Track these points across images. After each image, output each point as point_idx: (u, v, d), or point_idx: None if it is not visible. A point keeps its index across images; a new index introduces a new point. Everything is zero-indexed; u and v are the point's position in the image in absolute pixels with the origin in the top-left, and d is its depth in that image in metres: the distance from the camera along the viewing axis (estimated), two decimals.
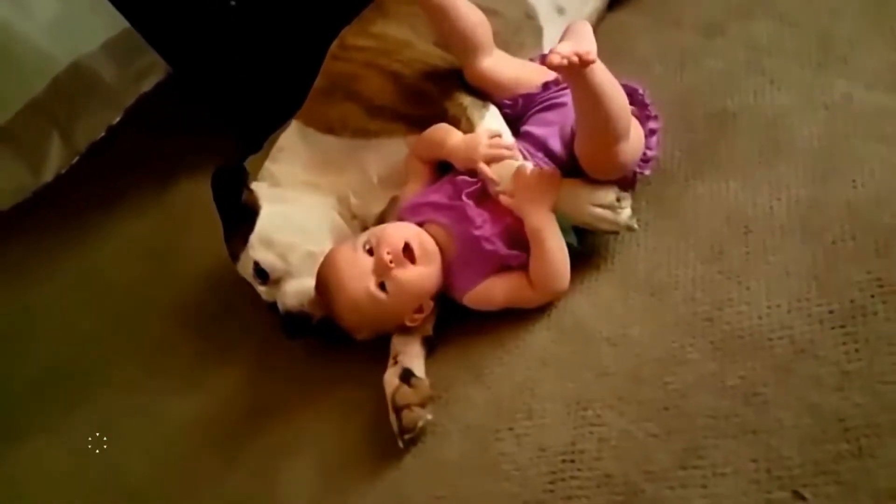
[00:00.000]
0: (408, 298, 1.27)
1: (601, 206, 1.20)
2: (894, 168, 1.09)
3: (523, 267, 1.24)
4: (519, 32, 1.54)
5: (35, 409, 1.85)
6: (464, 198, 1.25)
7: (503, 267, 1.25)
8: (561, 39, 1.17)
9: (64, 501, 1.59)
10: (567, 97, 1.29)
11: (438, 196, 1.31)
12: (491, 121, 1.34)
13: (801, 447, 0.91)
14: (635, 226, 1.21)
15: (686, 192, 1.25)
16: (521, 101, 1.34)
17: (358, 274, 1.25)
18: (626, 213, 1.20)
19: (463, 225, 1.25)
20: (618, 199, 1.20)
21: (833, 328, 0.99)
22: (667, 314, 1.12)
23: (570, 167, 1.25)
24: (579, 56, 1.05)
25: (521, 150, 1.28)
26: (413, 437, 1.20)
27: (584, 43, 1.11)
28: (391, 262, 1.23)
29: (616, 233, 1.23)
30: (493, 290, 1.25)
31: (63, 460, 1.66)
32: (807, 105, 1.24)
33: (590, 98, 1.12)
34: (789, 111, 1.24)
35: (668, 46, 1.50)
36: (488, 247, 1.23)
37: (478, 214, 1.24)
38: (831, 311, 1.00)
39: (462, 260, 1.27)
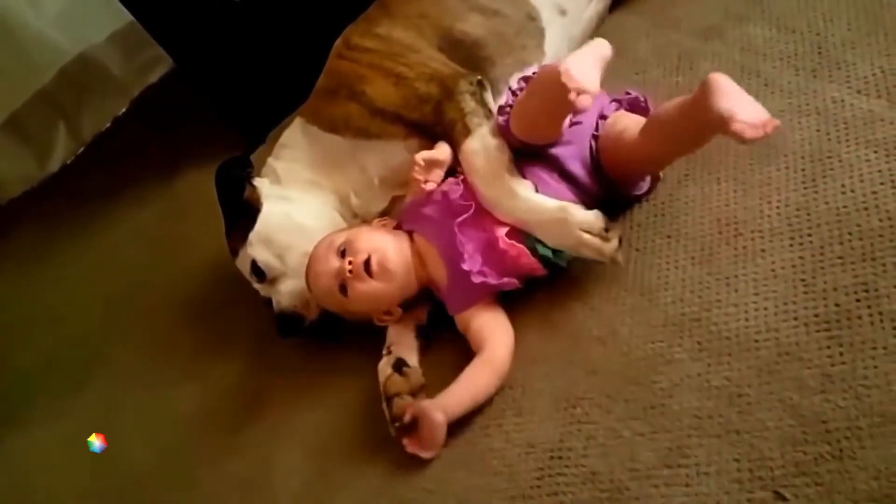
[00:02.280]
0: (366, 306, 1.31)
1: (590, 232, 1.18)
2: (883, 174, 1.09)
3: (516, 290, 1.25)
4: (521, 34, 1.54)
5: (38, 395, 1.89)
6: (455, 228, 1.24)
7: (497, 294, 1.26)
8: (708, 95, 1.04)
9: (65, 486, 1.62)
10: (582, 116, 1.24)
11: (431, 209, 1.31)
12: (491, 133, 1.30)
13: (782, 448, 0.92)
14: (620, 259, 1.18)
15: (678, 192, 1.25)
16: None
17: (324, 272, 1.31)
18: (613, 243, 1.18)
19: (452, 253, 1.25)
20: (606, 229, 1.18)
21: (818, 331, 1.00)
22: (656, 314, 1.13)
23: (592, 190, 1.24)
24: (768, 126, 1.02)
25: (537, 175, 1.25)
26: (404, 425, 1.20)
27: (759, 109, 1.04)
28: (350, 272, 1.27)
29: (600, 262, 1.20)
30: (469, 324, 1.25)
31: (65, 446, 1.69)
32: (799, 109, 1.24)
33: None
34: (782, 115, 1.24)
35: (665, 48, 1.50)
36: (477, 280, 1.23)
37: (466, 243, 1.24)
38: (817, 315, 1.01)
39: (452, 285, 1.27)
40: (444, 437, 1.16)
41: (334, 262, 1.30)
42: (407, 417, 1.17)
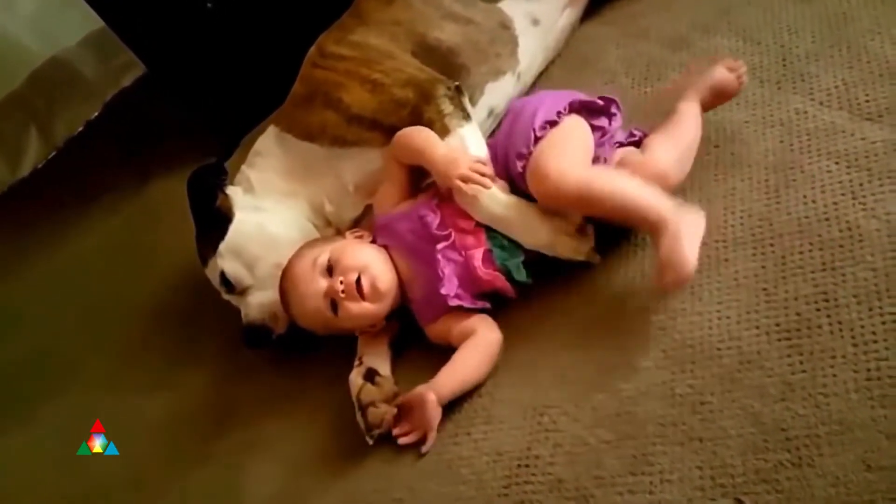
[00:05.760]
0: (356, 324, 1.30)
1: (567, 232, 1.20)
2: (844, 185, 1.11)
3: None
4: (495, 42, 1.56)
5: (6, 403, 1.87)
6: (439, 256, 1.24)
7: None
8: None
9: (34, 493, 1.61)
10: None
11: (408, 229, 1.30)
12: (469, 134, 1.32)
13: (744, 456, 0.94)
14: (597, 258, 1.21)
15: None
16: None
17: (311, 292, 1.28)
18: (589, 241, 1.20)
19: (429, 273, 1.25)
20: (581, 228, 1.20)
21: (779, 340, 1.01)
22: (623, 323, 1.14)
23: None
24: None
25: None
26: (381, 433, 1.21)
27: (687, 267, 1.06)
28: (342, 292, 1.25)
29: (576, 261, 1.21)
30: (451, 327, 1.26)
31: (33, 454, 1.68)
32: (764, 120, 1.26)
33: None
34: (747, 126, 1.26)
35: (635, 58, 1.52)
36: (454, 303, 1.24)
37: (444, 266, 1.24)
38: (778, 324, 1.03)
39: (424, 301, 1.29)
40: (438, 416, 1.17)
41: (321, 282, 1.27)
42: (398, 402, 1.19)
